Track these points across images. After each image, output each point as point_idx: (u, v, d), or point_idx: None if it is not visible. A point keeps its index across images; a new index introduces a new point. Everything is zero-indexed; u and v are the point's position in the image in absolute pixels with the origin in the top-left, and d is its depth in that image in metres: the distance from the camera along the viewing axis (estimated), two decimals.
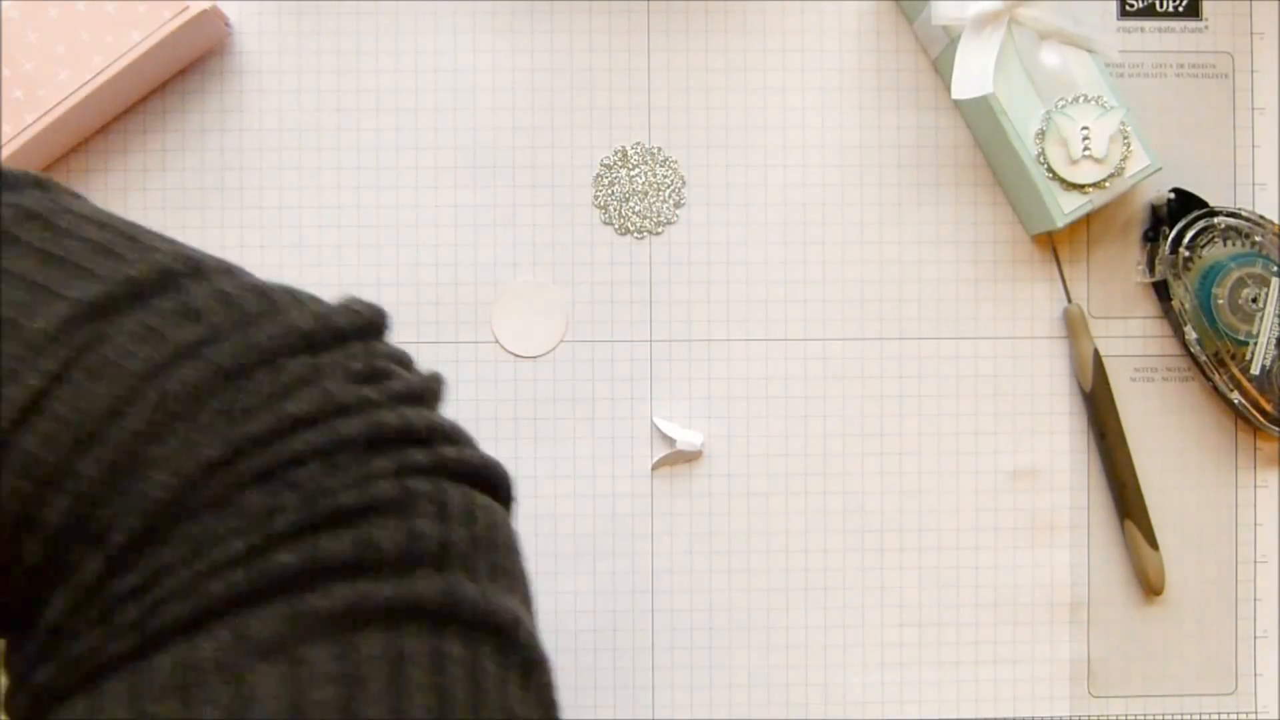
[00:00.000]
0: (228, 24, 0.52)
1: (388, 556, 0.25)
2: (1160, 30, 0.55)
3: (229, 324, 0.27)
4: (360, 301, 0.30)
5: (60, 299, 0.26)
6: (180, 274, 0.28)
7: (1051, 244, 0.55)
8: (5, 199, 0.28)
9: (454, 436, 0.29)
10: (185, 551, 0.25)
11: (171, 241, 0.30)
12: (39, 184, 0.30)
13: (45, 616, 0.26)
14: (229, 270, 0.29)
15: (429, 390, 0.30)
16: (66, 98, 0.47)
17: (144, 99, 0.52)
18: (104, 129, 0.52)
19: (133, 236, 0.29)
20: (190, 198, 0.53)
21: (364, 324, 0.30)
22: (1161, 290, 0.54)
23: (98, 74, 0.47)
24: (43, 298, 0.26)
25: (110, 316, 0.26)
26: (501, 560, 0.28)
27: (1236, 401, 0.53)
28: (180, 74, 0.53)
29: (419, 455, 0.27)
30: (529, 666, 0.27)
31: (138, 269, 0.27)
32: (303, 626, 0.24)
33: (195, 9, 0.48)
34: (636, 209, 0.54)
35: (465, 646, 0.25)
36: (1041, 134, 0.50)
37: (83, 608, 0.25)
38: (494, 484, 0.29)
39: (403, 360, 0.31)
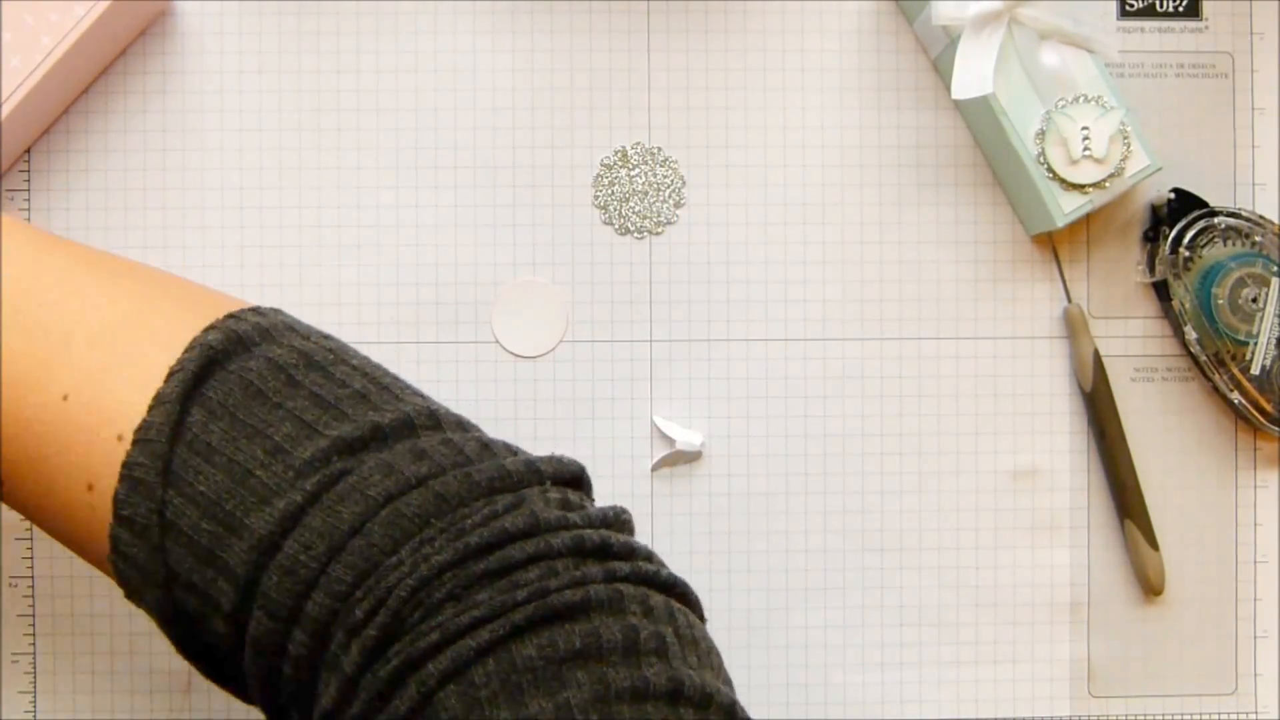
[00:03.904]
0: None
1: (613, 647, 0.30)
2: (1160, 30, 0.55)
3: (451, 464, 0.33)
4: (563, 458, 0.36)
5: (322, 436, 0.32)
6: (419, 425, 0.34)
7: (1051, 244, 0.55)
8: (290, 342, 0.35)
9: (648, 556, 0.34)
10: (435, 640, 0.29)
11: (422, 396, 0.37)
12: (327, 335, 0.37)
13: (321, 704, 0.31)
14: (461, 424, 0.36)
15: (619, 520, 0.35)
16: (23, 81, 0.47)
17: (131, 99, 0.52)
18: (68, 125, 0.52)
19: (387, 387, 0.35)
20: (191, 197, 0.53)
21: (564, 472, 0.35)
22: (1161, 290, 0.54)
23: (48, 54, 0.47)
24: (308, 434, 0.32)
25: (358, 453, 0.32)
26: (704, 655, 0.32)
27: (1236, 401, 0.53)
28: (178, 74, 0.53)
29: (622, 566, 0.32)
30: None
31: (385, 418, 0.33)
32: (567, 715, 0.28)
33: None
34: (636, 209, 0.54)
35: None
36: (1041, 134, 0.50)
37: (349, 697, 0.30)
38: (687, 598, 0.34)
39: (591, 501, 0.36)
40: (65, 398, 0.33)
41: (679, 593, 0.34)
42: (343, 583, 0.30)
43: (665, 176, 0.54)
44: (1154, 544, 0.54)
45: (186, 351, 0.33)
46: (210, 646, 0.33)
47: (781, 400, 0.54)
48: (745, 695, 0.53)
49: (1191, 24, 0.55)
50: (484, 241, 0.53)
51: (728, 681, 0.34)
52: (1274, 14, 0.55)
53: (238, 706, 0.53)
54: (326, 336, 0.37)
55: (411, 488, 0.32)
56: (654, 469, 0.54)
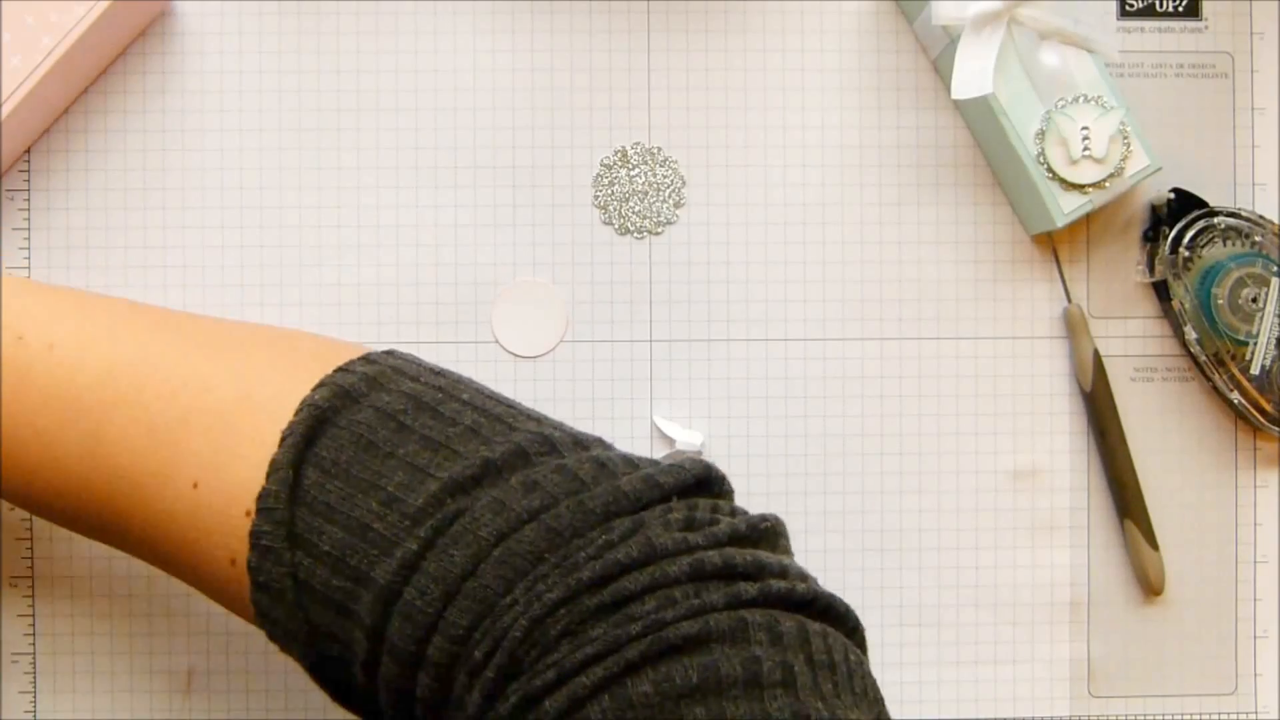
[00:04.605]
0: None
1: (733, 680, 0.28)
2: (1160, 30, 0.55)
3: (564, 493, 0.32)
4: (690, 460, 0.35)
5: (433, 479, 0.32)
6: (532, 453, 0.33)
7: (1051, 244, 0.55)
8: (399, 387, 0.35)
9: (782, 571, 0.33)
10: (551, 678, 0.29)
11: (538, 420, 0.36)
12: (438, 372, 0.37)
13: None
14: (579, 443, 0.35)
15: (757, 530, 0.34)
16: (23, 81, 0.47)
17: (128, 96, 0.53)
18: (68, 125, 0.53)
19: (499, 418, 0.35)
20: (191, 197, 0.53)
21: (690, 481, 0.34)
22: (1161, 290, 0.54)
23: (48, 54, 0.47)
24: (420, 479, 0.32)
25: (470, 491, 0.32)
26: (844, 680, 0.31)
27: (1236, 401, 0.53)
28: (178, 74, 0.53)
29: (748, 588, 0.31)
30: None
31: (496, 451, 0.33)
32: None
33: None
34: (636, 209, 0.54)
35: None
36: (1041, 134, 0.50)
37: None
38: (832, 613, 0.33)
39: (733, 511, 0.35)
40: (195, 485, 0.34)
41: (820, 608, 0.33)
42: (459, 626, 0.30)
43: (665, 176, 0.54)
44: (1154, 544, 0.54)
45: (296, 414, 0.34)
46: (359, 692, 0.34)
47: (781, 400, 0.54)
48: None
49: (1191, 24, 0.55)
50: (484, 241, 0.53)
51: (876, 700, 0.32)
52: (1274, 14, 0.55)
53: (238, 707, 0.53)
54: (438, 373, 0.37)
55: (524, 523, 0.31)
56: None
